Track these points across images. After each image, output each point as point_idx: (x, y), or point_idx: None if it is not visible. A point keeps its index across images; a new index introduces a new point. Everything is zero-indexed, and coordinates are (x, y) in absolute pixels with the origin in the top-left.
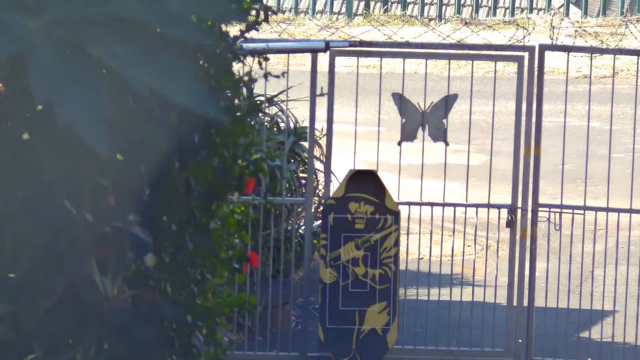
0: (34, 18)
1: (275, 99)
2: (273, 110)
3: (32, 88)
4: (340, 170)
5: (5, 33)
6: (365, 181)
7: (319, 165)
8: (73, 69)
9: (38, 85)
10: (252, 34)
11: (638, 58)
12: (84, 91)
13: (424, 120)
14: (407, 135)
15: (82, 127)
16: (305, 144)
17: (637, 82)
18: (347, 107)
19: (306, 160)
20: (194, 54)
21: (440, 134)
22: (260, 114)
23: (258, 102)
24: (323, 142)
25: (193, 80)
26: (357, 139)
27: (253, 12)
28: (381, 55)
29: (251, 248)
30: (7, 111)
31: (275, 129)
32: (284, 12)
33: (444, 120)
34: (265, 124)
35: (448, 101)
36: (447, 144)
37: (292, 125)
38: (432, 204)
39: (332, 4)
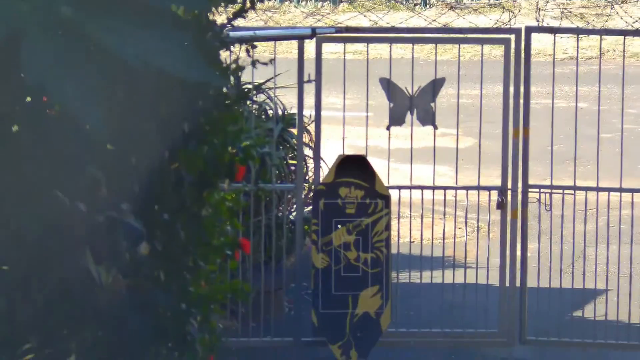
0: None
1: (263, 86)
2: (261, 97)
3: (24, 71)
4: (330, 157)
5: None
6: (354, 166)
7: (308, 152)
8: (65, 49)
9: (30, 68)
10: (239, 22)
11: (624, 38)
12: (77, 71)
13: (412, 105)
14: (396, 119)
15: (77, 106)
16: (294, 131)
17: (623, 62)
18: (335, 93)
19: (295, 147)
20: (186, 25)
21: (428, 118)
22: (248, 102)
23: (246, 90)
24: (312, 128)
25: (187, 49)
26: (346, 125)
27: (239, 0)
28: (368, 40)
29: (243, 235)
30: None
31: (263, 117)
32: (269, 0)
33: (432, 104)
34: (254, 111)
35: (435, 85)
36: (435, 127)
37: (280, 112)
38: (422, 187)
39: None
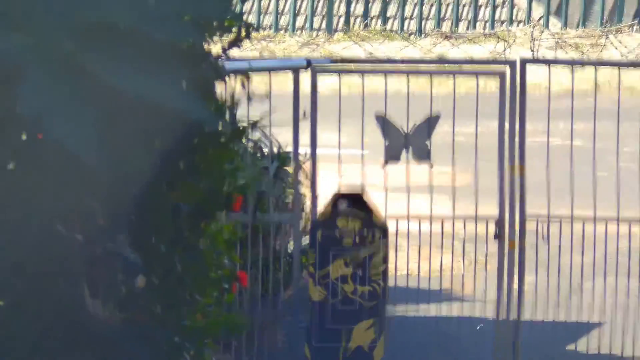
0: (24, 34)
1: (258, 124)
2: (256, 135)
3: (21, 106)
4: (326, 195)
5: None
6: (352, 202)
7: (304, 190)
8: (63, 84)
9: (27, 103)
10: (234, 52)
11: (619, 69)
12: (73, 106)
13: (407, 142)
14: (391, 157)
15: (72, 141)
16: (290, 169)
17: (619, 96)
18: (330, 130)
19: (291, 185)
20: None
21: (424, 155)
22: (243, 139)
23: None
24: (307, 166)
25: (182, 86)
26: (342, 164)
27: (234, 30)
28: (362, 71)
29: (240, 267)
30: None
31: (258, 155)
32: (264, 29)
33: (427, 142)
34: (249, 149)
35: (431, 122)
36: (431, 165)
37: (275, 150)
38: (419, 218)
39: (312, 21)
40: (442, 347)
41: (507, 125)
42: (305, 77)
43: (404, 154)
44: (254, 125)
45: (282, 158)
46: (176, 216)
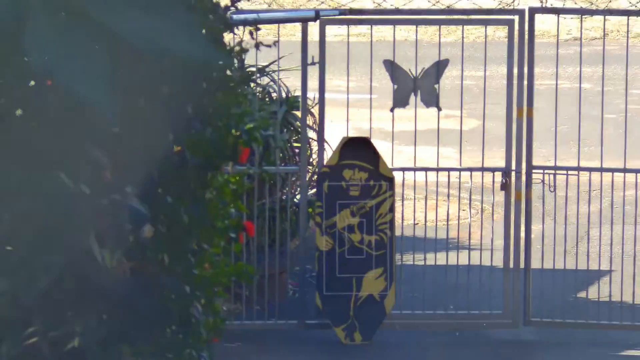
0: None
1: (267, 69)
2: (265, 80)
3: (28, 54)
4: (334, 139)
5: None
6: (358, 148)
7: (312, 134)
8: (69, 31)
9: (34, 50)
10: (242, 5)
11: (628, 18)
12: (81, 52)
13: (415, 86)
14: (400, 101)
15: (83, 86)
16: (298, 113)
17: (627, 42)
18: (339, 76)
19: (299, 130)
20: (190, 7)
21: (432, 100)
22: (252, 84)
23: (250, 72)
24: (315, 110)
25: (191, 29)
26: (350, 107)
27: None
28: (371, 22)
29: (246, 218)
30: (1, 88)
31: (267, 99)
32: None
33: (436, 86)
34: (258, 94)
35: (439, 66)
36: (439, 109)
37: (284, 95)
38: (426, 169)
39: None
40: (453, 296)
41: (515, 70)
42: (313, 28)
43: (412, 99)
44: (261, 70)
45: (290, 102)
46: (183, 168)
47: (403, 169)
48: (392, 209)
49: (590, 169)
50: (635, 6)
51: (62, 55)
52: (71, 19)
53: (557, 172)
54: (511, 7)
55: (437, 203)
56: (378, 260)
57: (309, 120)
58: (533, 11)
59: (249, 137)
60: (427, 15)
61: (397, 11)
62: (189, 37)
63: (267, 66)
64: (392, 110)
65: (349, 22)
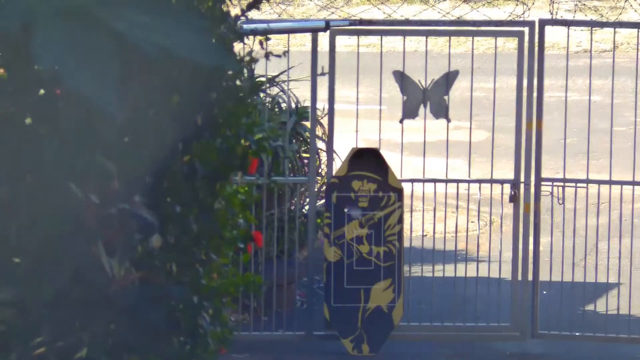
0: None
1: (277, 79)
2: (274, 90)
3: (37, 59)
4: (343, 150)
5: (9, 4)
6: (367, 159)
7: (321, 145)
8: (78, 36)
9: (43, 56)
10: (253, 15)
11: (638, 31)
12: (90, 57)
13: (425, 98)
14: (409, 112)
15: (92, 92)
16: (307, 124)
17: (637, 55)
18: (348, 86)
19: (308, 140)
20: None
21: (441, 111)
22: (262, 95)
23: (259, 82)
24: (325, 121)
25: (201, 34)
26: (359, 118)
27: None
28: (381, 33)
29: (255, 228)
30: (10, 96)
31: (276, 110)
32: None
33: (445, 97)
34: (267, 104)
35: (449, 78)
36: (448, 120)
37: (293, 105)
38: (435, 181)
39: None
40: (461, 308)
41: (525, 82)
42: (323, 38)
43: (421, 110)
44: (271, 80)
45: (299, 113)
46: (192, 177)
47: (412, 181)
48: (400, 221)
49: (599, 182)
50: None
51: (71, 62)
52: (80, 26)
53: (566, 184)
54: (521, 19)
55: (445, 214)
56: (386, 272)
57: (319, 131)
58: (543, 23)
59: (258, 148)
60: (437, 27)
61: (407, 22)
62: (199, 42)
63: (276, 76)
64: (401, 121)
65: (359, 33)
